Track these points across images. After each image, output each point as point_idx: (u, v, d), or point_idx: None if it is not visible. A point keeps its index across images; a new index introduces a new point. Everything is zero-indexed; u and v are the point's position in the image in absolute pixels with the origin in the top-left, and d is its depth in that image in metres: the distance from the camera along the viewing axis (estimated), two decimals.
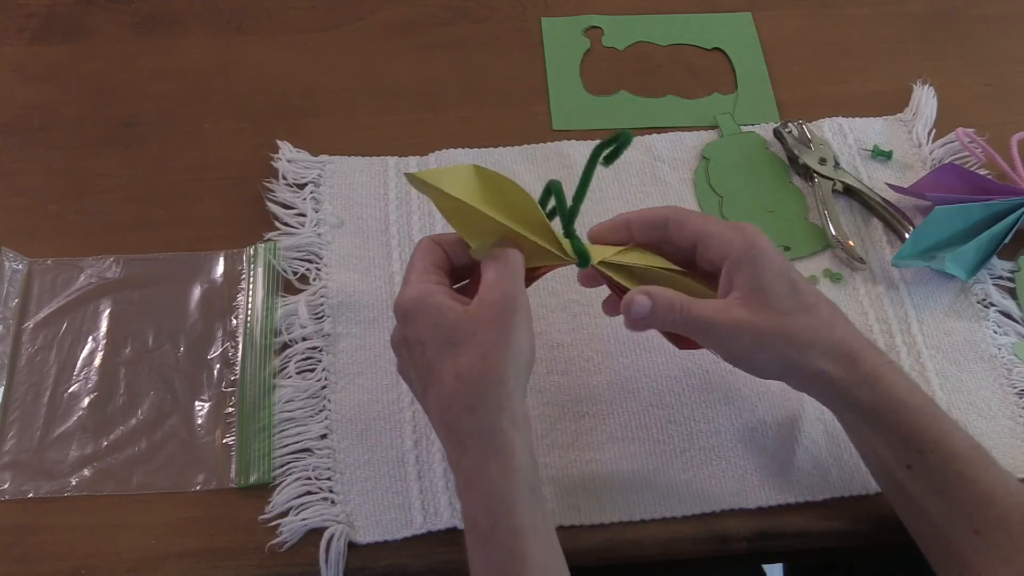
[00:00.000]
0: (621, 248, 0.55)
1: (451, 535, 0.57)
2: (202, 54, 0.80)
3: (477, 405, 0.48)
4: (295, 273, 0.68)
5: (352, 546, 0.57)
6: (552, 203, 0.53)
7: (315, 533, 0.57)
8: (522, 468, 0.48)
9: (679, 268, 0.55)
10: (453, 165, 0.51)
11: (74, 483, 0.59)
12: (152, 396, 0.63)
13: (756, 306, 0.51)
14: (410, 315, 0.50)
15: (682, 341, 0.56)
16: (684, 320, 0.52)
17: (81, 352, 0.64)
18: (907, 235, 0.68)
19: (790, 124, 0.74)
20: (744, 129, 0.76)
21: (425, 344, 0.50)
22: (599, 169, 0.73)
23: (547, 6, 0.84)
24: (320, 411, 0.62)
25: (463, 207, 0.50)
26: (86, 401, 0.62)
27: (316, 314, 0.66)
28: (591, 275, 0.56)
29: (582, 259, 0.53)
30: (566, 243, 0.53)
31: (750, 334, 0.51)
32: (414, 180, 0.50)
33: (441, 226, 0.70)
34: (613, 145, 0.52)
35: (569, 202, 0.53)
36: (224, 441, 0.61)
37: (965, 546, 0.49)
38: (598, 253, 0.54)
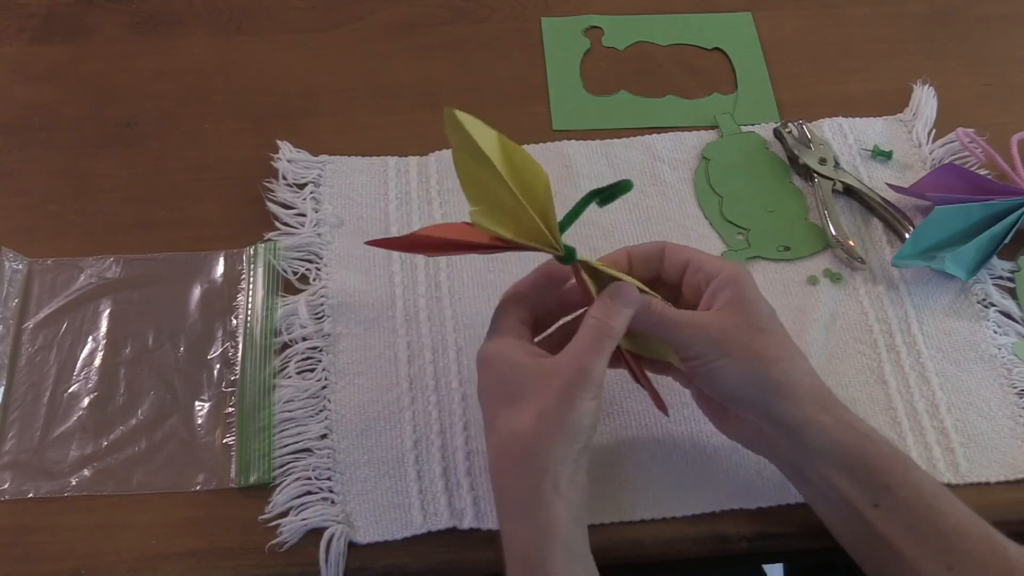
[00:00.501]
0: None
1: (451, 535, 0.57)
2: (202, 54, 0.80)
3: (523, 462, 0.48)
4: (295, 273, 0.68)
5: (352, 546, 0.57)
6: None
7: (315, 533, 0.57)
8: (559, 533, 0.47)
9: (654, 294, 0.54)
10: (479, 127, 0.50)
11: (74, 483, 0.59)
12: (152, 396, 0.63)
13: (732, 315, 0.51)
14: (483, 366, 0.52)
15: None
16: (657, 319, 0.52)
17: (81, 352, 0.64)
18: (907, 235, 0.68)
19: (790, 124, 0.74)
20: (744, 129, 0.76)
21: (491, 396, 0.52)
22: (599, 168, 0.73)
23: (547, 6, 0.84)
24: (320, 411, 0.62)
25: (480, 165, 0.50)
26: (86, 401, 0.62)
27: (316, 314, 0.66)
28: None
29: (568, 254, 0.52)
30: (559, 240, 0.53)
31: (715, 338, 0.51)
32: (451, 117, 0.49)
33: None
34: (610, 192, 0.52)
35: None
36: (224, 441, 0.61)
37: None
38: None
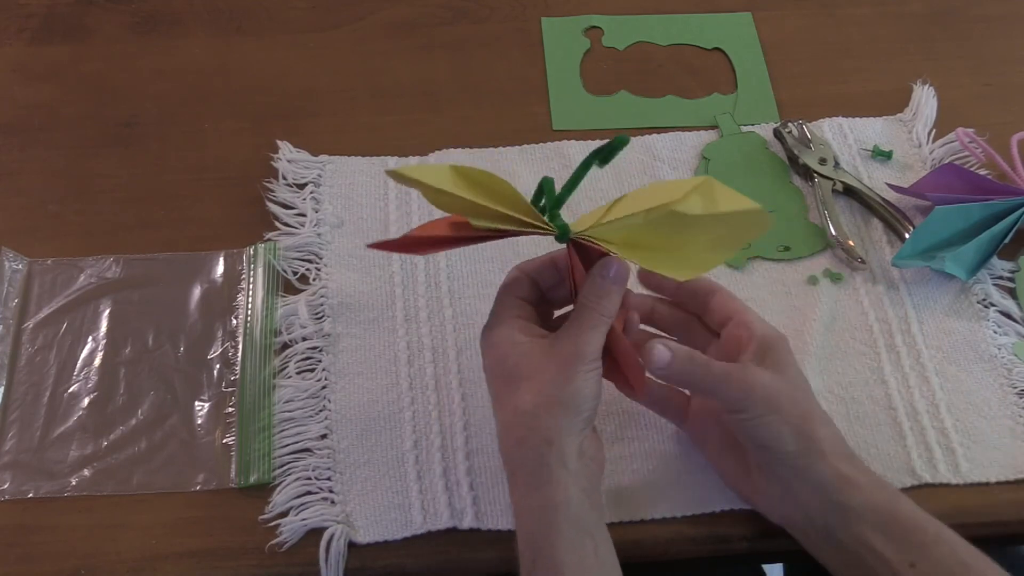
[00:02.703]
0: (600, 219, 0.52)
1: (451, 535, 0.57)
2: (202, 54, 0.80)
3: (526, 437, 0.49)
4: (295, 273, 0.68)
5: (352, 546, 0.57)
6: (543, 201, 0.52)
7: (315, 533, 0.57)
8: (565, 505, 0.48)
9: (667, 199, 0.50)
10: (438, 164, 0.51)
11: (74, 483, 0.59)
12: (152, 396, 0.63)
13: (781, 376, 0.52)
14: (486, 348, 0.53)
15: (625, 384, 0.55)
16: (704, 372, 0.52)
17: (81, 352, 0.64)
18: (907, 235, 0.68)
19: (790, 124, 0.74)
20: (744, 129, 0.76)
21: (495, 376, 0.53)
22: (598, 170, 0.73)
23: (547, 6, 0.84)
24: (320, 411, 0.62)
25: (446, 196, 0.50)
26: (86, 401, 0.62)
27: (316, 314, 0.66)
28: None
29: (562, 232, 0.52)
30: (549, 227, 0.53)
31: (769, 395, 0.51)
32: (394, 176, 0.49)
33: None
34: (609, 149, 0.52)
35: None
36: (224, 441, 0.61)
37: None
38: (578, 227, 0.53)
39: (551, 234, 0.52)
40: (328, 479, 0.59)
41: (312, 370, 0.64)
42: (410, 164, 0.73)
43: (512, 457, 0.51)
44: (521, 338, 0.52)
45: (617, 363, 0.55)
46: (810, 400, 0.53)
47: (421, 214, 0.70)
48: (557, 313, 0.57)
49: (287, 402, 0.62)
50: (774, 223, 0.70)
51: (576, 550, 0.48)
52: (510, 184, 0.50)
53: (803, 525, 0.53)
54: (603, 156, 0.52)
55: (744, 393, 0.51)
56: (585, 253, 0.53)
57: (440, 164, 0.52)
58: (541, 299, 0.56)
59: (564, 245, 0.53)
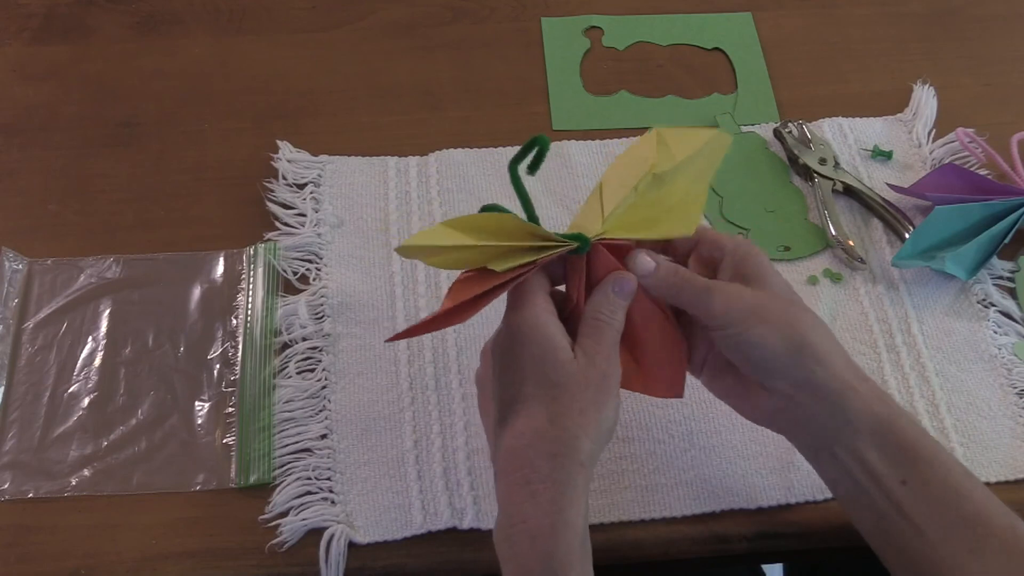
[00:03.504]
0: (604, 214, 0.52)
1: (451, 535, 0.57)
2: (202, 54, 0.80)
3: (561, 454, 0.48)
4: (295, 273, 0.68)
5: (352, 546, 0.57)
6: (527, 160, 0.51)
7: (315, 533, 0.57)
8: (582, 529, 0.48)
9: (643, 167, 0.51)
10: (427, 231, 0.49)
11: (74, 483, 0.59)
12: (152, 396, 0.63)
13: (765, 287, 0.51)
14: (520, 339, 0.49)
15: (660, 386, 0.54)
16: (684, 282, 0.51)
17: (81, 352, 0.64)
18: (907, 235, 0.68)
19: (790, 124, 0.74)
20: (744, 129, 0.76)
21: (526, 374, 0.49)
22: (599, 168, 0.73)
23: (547, 6, 0.84)
24: (320, 411, 0.62)
25: (455, 253, 0.48)
26: (86, 401, 0.62)
27: (316, 314, 0.66)
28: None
29: (583, 242, 0.51)
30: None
31: (752, 306, 0.50)
32: (403, 252, 0.48)
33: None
34: (529, 154, 0.50)
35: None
36: (224, 441, 0.61)
37: (959, 568, 0.47)
38: (588, 230, 0.52)
39: (572, 247, 0.51)
40: (328, 479, 0.59)
41: (312, 370, 0.64)
42: (428, 167, 0.72)
43: (537, 468, 0.48)
44: (564, 343, 0.49)
45: (645, 360, 0.53)
46: (797, 306, 0.51)
47: (421, 214, 0.70)
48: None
49: (287, 402, 0.62)
50: (774, 223, 0.70)
51: (584, 570, 0.47)
52: (508, 213, 0.49)
53: (802, 437, 0.52)
54: (530, 165, 0.50)
55: (726, 306, 0.50)
56: (594, 258, 0.52)
57: (431, 226, 0.49)
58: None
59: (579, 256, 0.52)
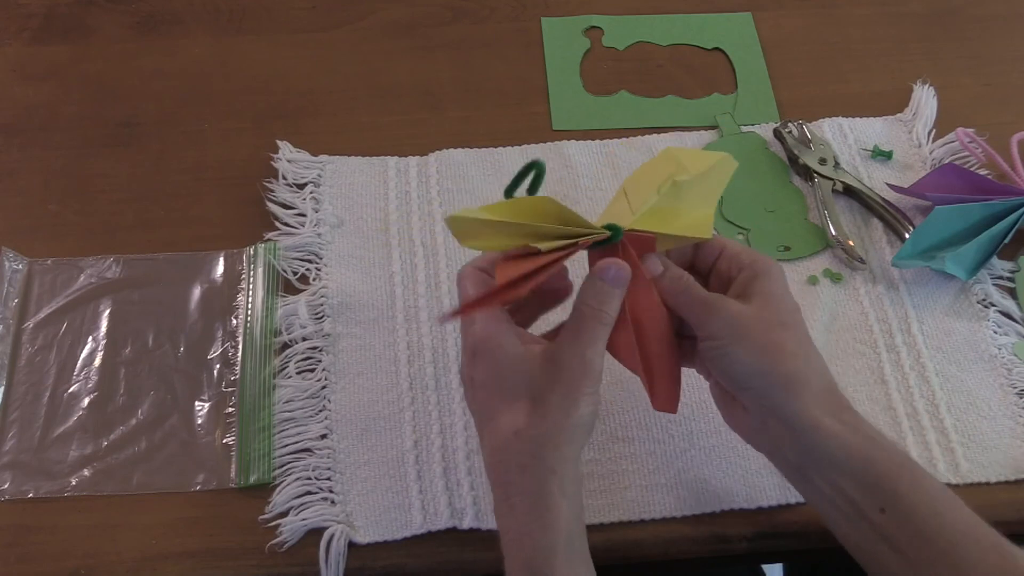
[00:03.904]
0: (632, 209, 0.53)
1: (451, 535, 0.57)
2: (202, 54, 0.80)
3: (530, 465, 0.47)
4: (295, 273, 0.68)
5: (352, 546, 0.57)
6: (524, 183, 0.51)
7: (315, 533, 0.57)
8: (566, 533, 0.47)
9: (666, 173, 0.52)
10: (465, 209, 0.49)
11: (74, 483, 0.59)
12: (152, 396, 0.63)
13: (756, 305, 0.50)
14: (477, 355, 0.50)
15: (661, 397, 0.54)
16: (684, 288, 0.51)
17: (81, 352, 0.64)
18: (907, 235, 0.68)
19: (790, 124, 0.74)
20: (744, 129, 0.76)
21: (488, 388, 0.49)
22: (599, 168, 0.73)
23: (547, 6, 0.84)
24: (320, 411, 0.62)
25: (497, 234, 0.49)
26: (86, 401, 0.62)
27: (316, 314, 0.66)
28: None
29: (615, 231, 0.51)
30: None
31: (735, 323, 0.49)
32: (454, 224, 0.48)
33: (440, 228, 0.70)
34: (525, 179, 0.50)
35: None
36: (224, 441, 0.61)
37: None
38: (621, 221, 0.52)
39: (605, 236, 0.51)
40: (328, 479, 0.59)
41: (312, 370, 0.64)
42: (429, 167, 0.72)
43: (509, 481, 0.48)
44: (519, 349, 0.49)
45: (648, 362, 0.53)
46: (788, 330, 0.50)
47: (421, 214, 0.70)
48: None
49: (287, 402, 0.62)
50: (774, 223, 0.70)
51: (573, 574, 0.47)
52: (547, 197, 0.49)
53: (778, 461, 0.52)
54: (529, 188, 0.50)
55: (707, 318, 0.50)
56: (623, 255, 0.52)
57: (481, 208, 0.49)
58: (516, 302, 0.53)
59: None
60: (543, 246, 0.49)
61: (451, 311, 0.49)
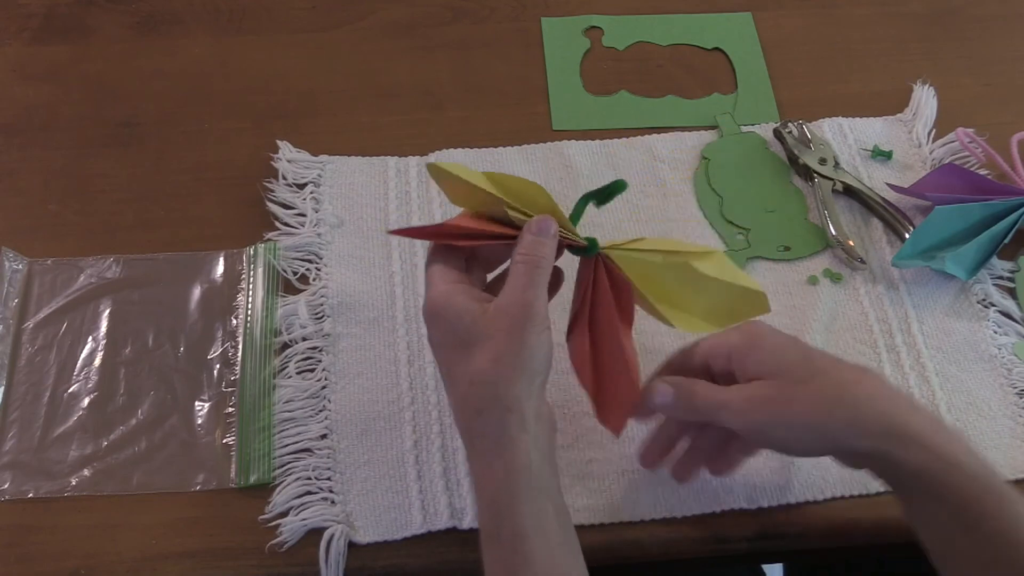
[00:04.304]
0: (629, 241, 0.55)
1: (451, 535, 0.57)
2: (202, 54, 0.80)
3: (485, 408, 0.49)
4: (295, 273, 0.68)
5: (352, 546, 0.57)
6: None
7: (315, 533, 0.57)
8: (526, 470, 0.48)
9: (685, 250, 0.54)
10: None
11: (74, 483, 0.59)
12: (152, 396, 0.63)
13: (773, 382, 0.51)
14: (431, 318, 0.52)
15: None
16: (703, 401, 0.52)
17: (81, 352, 0.64)
18: (907, 235, 0.68)
19: (790, 124, 0.74)
20: (744, 129, 0.76)
21: (444, 347, 0.52)
22: (599, 168, 0.73)
23: (547, 6, 0.84)
24: (320, 411, 0.62)
25: (481, 201, 0.52)
26: (86, 401, 0.62)
27: (316, 314, 0.66)
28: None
29: (592, 245, 0.53)
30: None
31: (767, 407, 0.50)
32: (433, 170, 0.52)
33: None
34: (608, 192, 0.54)
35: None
36: (224, 441, 0.61)
37: None
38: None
39: (580, 244, 0.53)
40: (328, 479, 0.59)
41: (312, 370, 0.64)
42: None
43: (471, 427, 0.50)
44: (468, 304, 0.50)
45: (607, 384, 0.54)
46: (812, 384, 0.50)
47: (421, 214, 0.70)
48: (489, 276, 0.56)
49: (287, 402, 0.62)
50: (774, 223, 0.70)
51: (538, 515, 0.48)
52: (540, 187, 0.51)
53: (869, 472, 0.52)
54: (599, 198, 0.54)
55: (743, 421, 0.50)
56: (592, 271, 0.54)
57: (472, 170, 0.53)
58: (468, 267, 0.54)
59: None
60: (513, 215, 0.51)
61: (395, 229, 0.53)
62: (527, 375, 0.49)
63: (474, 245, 0.53)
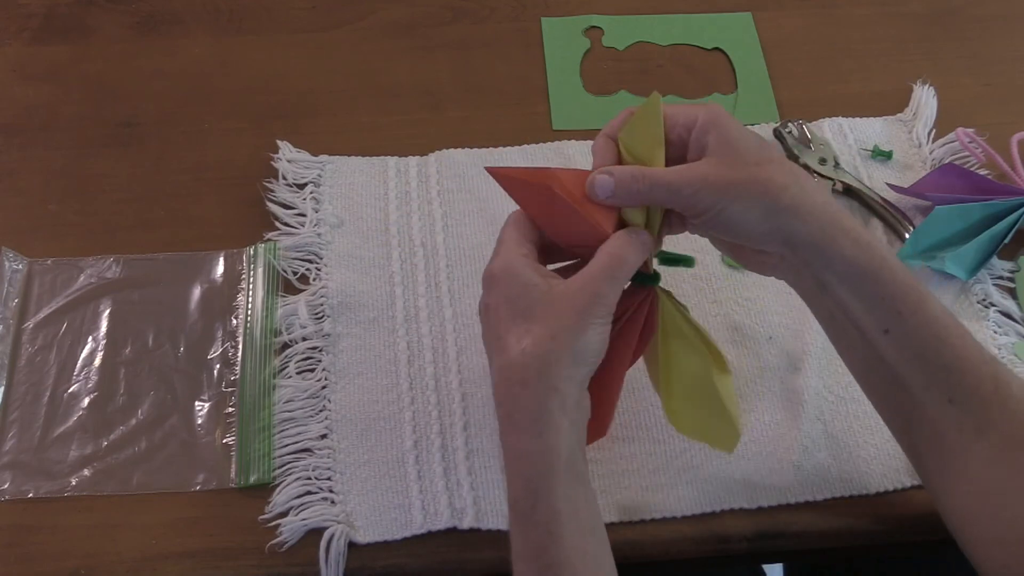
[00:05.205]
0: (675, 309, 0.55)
1: (451, 535, 0.57)
2: (202, 54, 0.80)
3: (532, 381, 0.48)
4: (295, 273, 0.68)
5: (352, 546, 0.57)
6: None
7: (315, 533, 0.57)
8: (565, 451, 0.48)
9: (714, 350, 0.54)
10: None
11: (74, 483, 0.59)
12: (152, 396, 0.63)
13: (726, 161, 0.50)
14: (493, 282, 0.51)
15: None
16: (649, 187, 0.50)
17: (81, 352, 0.64)
18: (907, 235, 0.68)
19: (790, 124, 0.74)
20: None
21: (501, 313, 0.50)
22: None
23: (547, 6, 0.84)
24: (320, 411, 0.62)
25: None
26: (86, 401, 0.62)
27: (316, 314, 0.66)
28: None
29: (655, 277, 0.54)
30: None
31: (718, 185, 0.49)
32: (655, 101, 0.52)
33: (440, 228, 0.70)
34: (675, 261, 0.55)
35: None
36: (224, 441, 0.61)
37: (940, 418, 0.48)
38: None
39: (647, 272, 0.53)
40: (328, 479, 0.59)
41: (312, 370, 0.64)
42: (430, 166, 0.73)
43: (513, 398, 0.49)
44: (536, 278, 0.50)
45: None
46: (764, 167, 0.50)
47: (421, 214, 0.70)
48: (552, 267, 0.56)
49: (287, 402, 0.62)
50: None
51: (572, 499, 0.47)
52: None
53: (799, 284, 0.52)
54: (665, 259, 0.55)
55: (694, 194, 0.49)
56: (635, 298, 0.53)
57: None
58: (542, 247, 0.54)
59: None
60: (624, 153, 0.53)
61: (494, 168, 0.53)
62: (578, 360, 0.49)
63: (559, 216, 0.52)
